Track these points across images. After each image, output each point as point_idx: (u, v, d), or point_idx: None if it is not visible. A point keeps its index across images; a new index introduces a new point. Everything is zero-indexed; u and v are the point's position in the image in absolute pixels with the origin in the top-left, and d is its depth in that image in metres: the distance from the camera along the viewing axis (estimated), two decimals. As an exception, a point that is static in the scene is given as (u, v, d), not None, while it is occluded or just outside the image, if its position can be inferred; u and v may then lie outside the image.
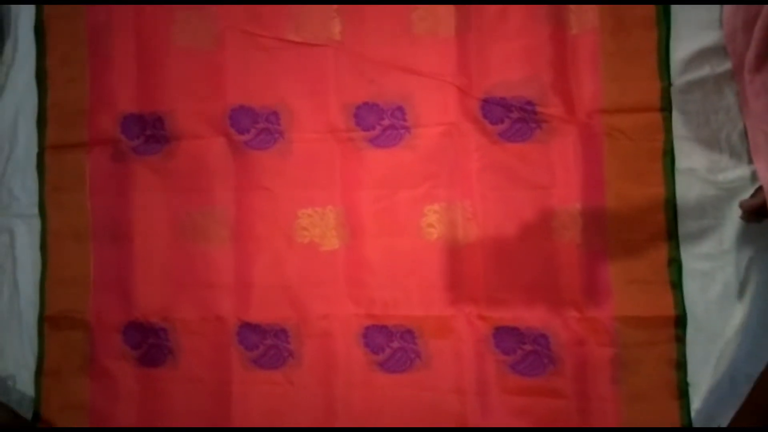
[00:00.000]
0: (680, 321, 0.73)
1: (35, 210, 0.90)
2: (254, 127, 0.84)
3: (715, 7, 0.73)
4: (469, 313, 0.77)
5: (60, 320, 0.87)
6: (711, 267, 0.73)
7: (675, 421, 0.72)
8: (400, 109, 0.81)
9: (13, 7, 0.92)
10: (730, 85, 0.73)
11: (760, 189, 0.70)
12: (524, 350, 0.75)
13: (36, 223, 0.90)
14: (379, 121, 0.81)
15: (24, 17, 0.92)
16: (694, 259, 0.73)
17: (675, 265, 0.73)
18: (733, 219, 0.72)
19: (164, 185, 0.86)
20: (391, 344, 0.79)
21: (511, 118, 0.77)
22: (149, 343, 0.84)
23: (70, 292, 0.87)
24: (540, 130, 0.77)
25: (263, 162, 0.83)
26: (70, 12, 0.89)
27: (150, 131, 0.86)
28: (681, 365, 0.72)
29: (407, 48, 0.80)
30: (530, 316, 0.75)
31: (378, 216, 0.80)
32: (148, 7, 0.86)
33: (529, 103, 0.76)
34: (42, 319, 0.88)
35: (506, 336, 0.76)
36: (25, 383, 0.89)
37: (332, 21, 0.81)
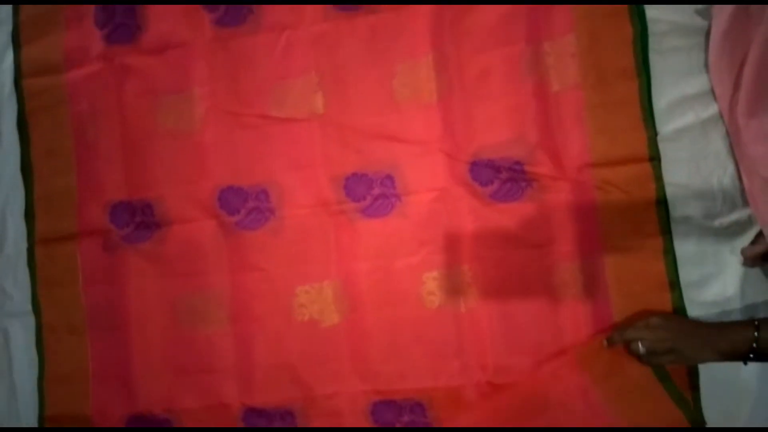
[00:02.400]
0: (691, 371, 0.71)
1: (29, 306, 0.88)
2: (244, 207, 0.83)
3: (695, 54, 0.73)
4: (478, 381, 0.75)
5: (61, 419, 0.85)
6: (717, 314, 0.71)
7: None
8: (389, 177, 0.80)
9: (-5, 102, 0.92)
10: (716, 129, 0.72)
11: (760, 234, 0.69)
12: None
13: (30, 320, 0.88)
14: (369, 191, 0.80)
15: (6, 111, 0.91)
16: (699, 307, 0.72)
17: (680, 314, 0.72)
18: (734, 264, 0.71)
19: (158, 271, 0.85)
20: (401, 419, 0.77)
21: (500, 178, 0.77)
22: (155, 438, 0.82)
23: (70, 388, 0.86)
24: (531, 188, 0.76)
25: (256, 242, 0.82)
26: (53, 103, 0.89)
27: (139, 218, 0.86)
28: (697, 420, 0.70)
29: (391, 116, 0.80)
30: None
31: (376, 287, 0.79)
32: (130, 93, 0.86)
33: (518, 163, 0.76)
34: (42, 419, 0.86)
35: None
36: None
37: (314, 94, 0.81)
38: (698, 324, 0.66)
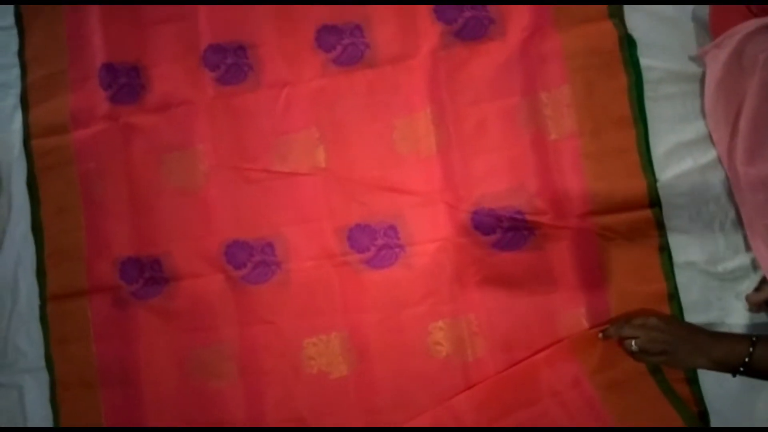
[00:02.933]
0: (702, 417, 0.71)
1: (42, 363, 0.90)
2: (250, 261, 0.84)
3: (690, 100, 0.74)
4: (487, 432, 0.76)
5: (76, 476, 0.86)
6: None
7: None
8: (393, 228, 0.81)
9: (4, 163, 0.94)
10: (715, 174, 0.73)
11: (764, 279, 0.70)
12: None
13: (44, 376, 0.89)
14: (373, 242, 0.82)
15: (16, 171, 0.93)
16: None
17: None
18: (739, 309, 0.72)
19: (167, 326, 0.86)
20: None
21: (502, 227, 0.77)
22: (168, 495, 0.83)
23: (84, 445, 0.87)
24: (533, 236, 0.77)
25: (263, 296, 0.83)
26: (61, 162, 0.91)
27: (148, 274, 0.87)
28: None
29: (392, 168, 0.81)
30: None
31: (384, 337, 0.80)
32: (136, 151, 0.88)
33: (519, 212, 0.77)
34: (58, 478, 0.87)
35: None
36: None
37: (316, 149, 0.83)
38: (695, 329, 0.66)
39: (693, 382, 0.71)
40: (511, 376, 0.74)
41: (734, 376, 0.62)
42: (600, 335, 0.70)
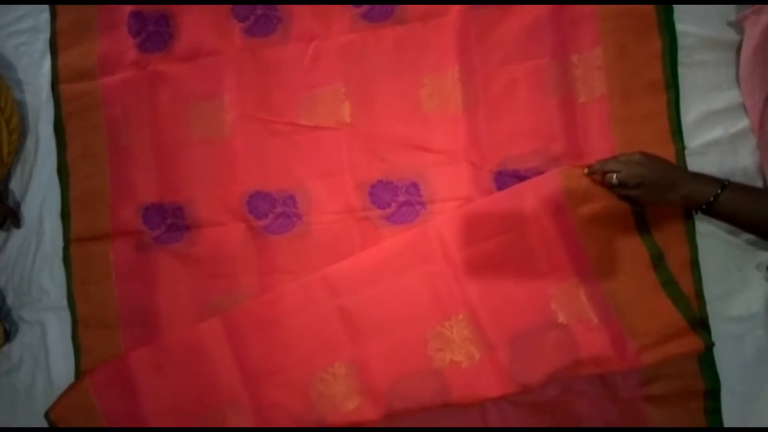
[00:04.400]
0: (712, 394, 0.72)
1: (64, 302, 0.92)
2: (272, 212, 0.85)
3: (724, 69, 0.73)
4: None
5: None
6: (741, 330, 0.72)
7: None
8: (415, 185, 0.81)
9: (32, 107, 0.95)
10: (745, 145, 0.72)
11: (785, 250, 0.69)
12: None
13: (66, 315, 0.92)
14: (394, 198, 0.82)
15: (44, 115, 0.95)
16: (722, 322, 0.72)
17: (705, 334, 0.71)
18: (759, 281, 0.71)
19: (188, 272, 0.88)
20: None
21: (526, 189, 0.78)
22: None
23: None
24: (556, 200, 0.77)
25: (283, 246, 0.84)
26: (88, 107, 0.92)
27: (171, 220, 0.88)
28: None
29: (417, 126, 0.81)
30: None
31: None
32: (163, 99, 0.89)
33: (542, 173, 0.76)
34: (78, 412, 0.90)
35: None
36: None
37: (342, 104, 0.83)
38: (673, 167, 0.69)
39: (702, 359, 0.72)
40: (497, 198, 0.76)
41: (695, 214, 0.66)
42: (585, 170, 0.71)
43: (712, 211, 0.64)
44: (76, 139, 0.93)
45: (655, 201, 0.67)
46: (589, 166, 0.70)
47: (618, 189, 0.68)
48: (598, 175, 0.69)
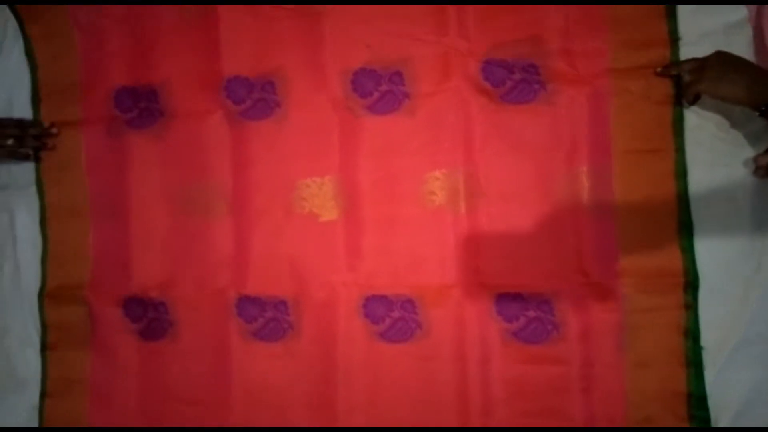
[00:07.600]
0: (691, 286, 0.70)
1: (33, 188, 0.89)
2: (250, 98, 0.82)
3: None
4: (471, 281, 0.75)
5: (60, 296, 0.87)
6: (723, 226, 0.70)
7: (682, 390, 0.70)
8: (398, 74, 0.78)
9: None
10: (742, 36, 0.69)
11: (774, 144, 0.67)
12: (527, 317, 0.73)
13: (34, 201, 0.89)
14: (377, 87, 0.79)
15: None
16: (705, 220, 0.70)
17: (685, 229, 0.70)
18: (746, 178, 0.69)
19: (160, 159, 0.85)
20: (392, 314, 0.77)
21: (513, 79, 0.74)
22: (149, 317, 0.84)
23: (70, 267, 0.87)
24: (544, 91, 0.74)
25: (260, 132, 0.81)
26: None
27: (144, 104, 0.85)
28: (690, 332, 0.70)
29: (403, 12, 0.77)
30: (534, 283, 0.73)
31: (378, 184, 0.78)
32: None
33: (532, 65, 0.73)
34: (42, 295, 0.88)
35: (509, 303, 0.74)
36: (30, 361, 0.89)
37: (326, -13, 0.79)
38: (750, 65, 0.67)
39: (687, 250, 0.70)
40: None
41: (760, 115, 0.64)
42: (658, 69, 0.70)
43: None
44: (38, 19, 0.88)
45: (722, 93, 0.65)
46: (664, 67, 0.70)
47: (686, 88, 0.68)
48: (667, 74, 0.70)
